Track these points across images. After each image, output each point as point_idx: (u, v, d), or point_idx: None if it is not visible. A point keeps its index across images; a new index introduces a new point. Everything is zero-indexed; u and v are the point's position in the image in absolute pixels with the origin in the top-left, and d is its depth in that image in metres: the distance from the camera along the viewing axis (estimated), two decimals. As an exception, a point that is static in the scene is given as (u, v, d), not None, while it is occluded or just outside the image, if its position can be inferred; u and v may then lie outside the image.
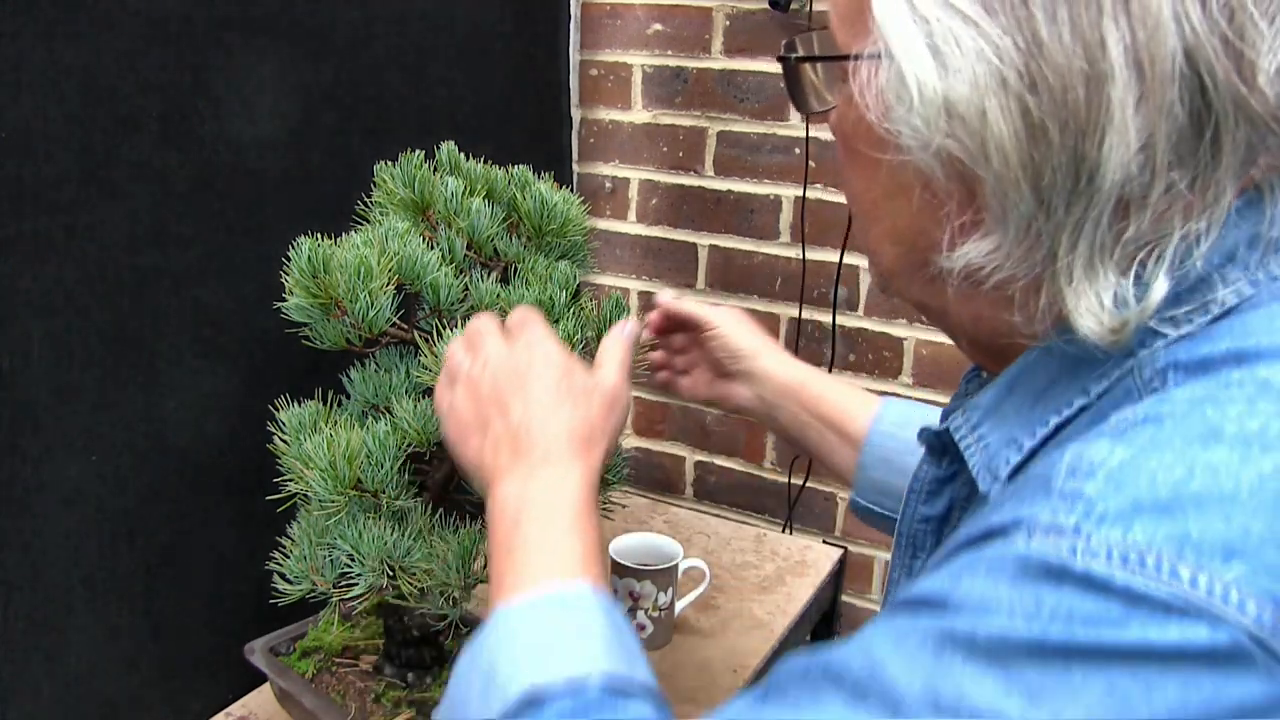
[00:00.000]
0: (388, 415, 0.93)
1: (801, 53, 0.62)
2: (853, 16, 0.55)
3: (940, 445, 0.69)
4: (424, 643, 1.08)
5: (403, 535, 0.89)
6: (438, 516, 0.93)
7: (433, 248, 0.99)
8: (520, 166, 1.08)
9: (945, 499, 0.72)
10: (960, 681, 0.42)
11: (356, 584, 0.89)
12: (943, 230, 0.53)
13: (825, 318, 1.61)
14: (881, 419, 0.97)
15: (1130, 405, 0.49)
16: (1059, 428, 0.54)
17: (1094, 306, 0.49)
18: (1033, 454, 0.55)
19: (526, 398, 0.72)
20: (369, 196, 1.06)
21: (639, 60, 1.69)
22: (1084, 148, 0.47)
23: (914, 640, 0.44)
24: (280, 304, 0.95)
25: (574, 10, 1.69)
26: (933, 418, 0.86)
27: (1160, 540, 0.41)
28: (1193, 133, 0.47)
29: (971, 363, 0.70)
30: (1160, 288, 0.48)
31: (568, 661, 0.57)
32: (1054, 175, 0.48)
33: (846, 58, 0.55)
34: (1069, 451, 0.46)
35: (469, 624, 1.10)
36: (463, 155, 1.07)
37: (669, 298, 1.08)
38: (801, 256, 1.61)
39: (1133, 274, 0.49)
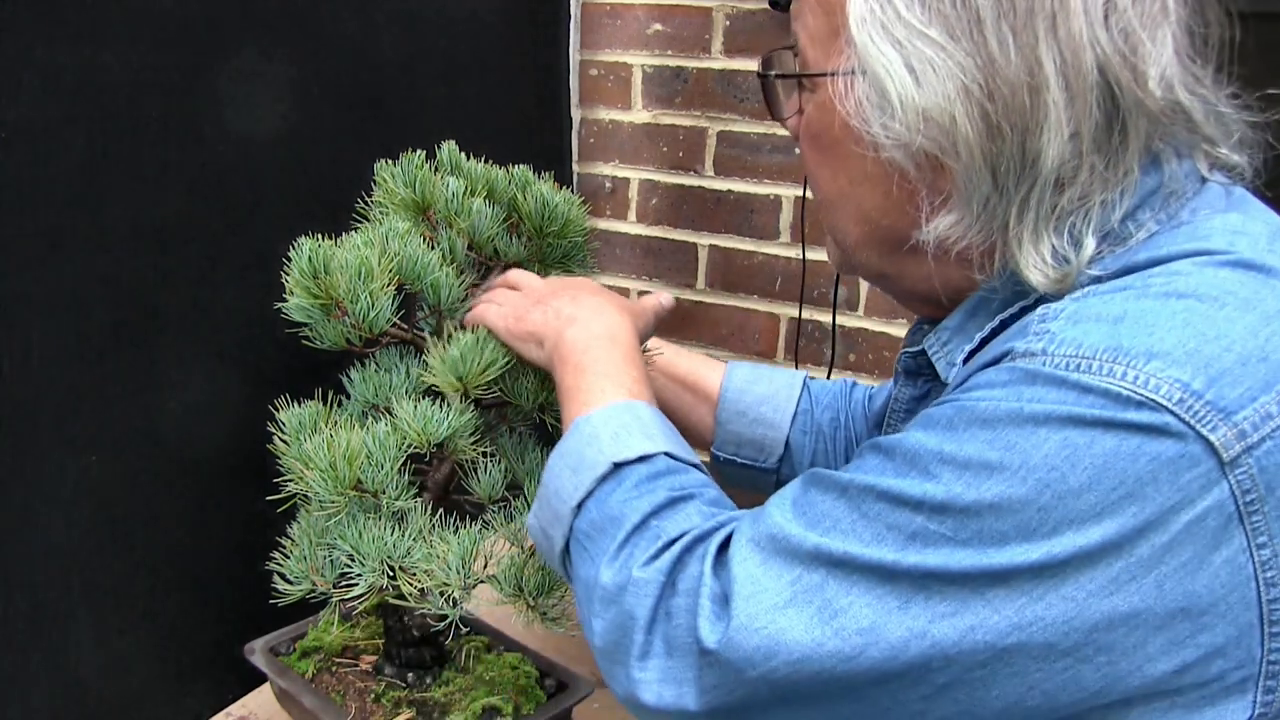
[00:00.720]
0: (388, 415, 0.93)
1: (779, 70, 0.76)
2: (824, 39, 0.69)
3: (916, 367, 0.85)
4: (424, 643, 1.08)
5: (403, 535, 0.89)
6: (438, 517, 0.93)
7: (433, 248, 0.99)
8: (521, 166, 1.08)
9: None
10: (960, 439, 0.59)
11: (356, 584, 0.89)
12: (920, 210, 0.67)
13: (825, 318, 1.61)
14: (731, 377, 1.10)
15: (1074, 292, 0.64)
16: (1004, 322, 0.69)
17: (1040, 264, 0.64)
18: (983, 343, 0.70)
19: (577, 290, 0.93)
20: (369, 196, 1.06)
21: (639, 60, 1.69)
22: (1029, 141, 0.62)
23: (935, 418, 0.62)
24: (280, 304, 0.95)
25: (574, 10, 1.69)
26: (775, 378, 1.09)
27: (1101, 351, 0.58)
28: (1106, 126, 0.63)
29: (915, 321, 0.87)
30: (1090, 245, 0.63)
31: (639, 444, 0.75)
32: (1008, 163, 0.63)
33: (825, 74, 0.69)
34: (1039, 308, 0.63)
35: (469, 624, 1.10)
36: (463, 155, 1.07)
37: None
38: (801, 256, 1.61)
39: (1067, 236, 0.64)
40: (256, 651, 1.11)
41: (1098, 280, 0.63)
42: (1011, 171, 0.63)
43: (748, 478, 1.11)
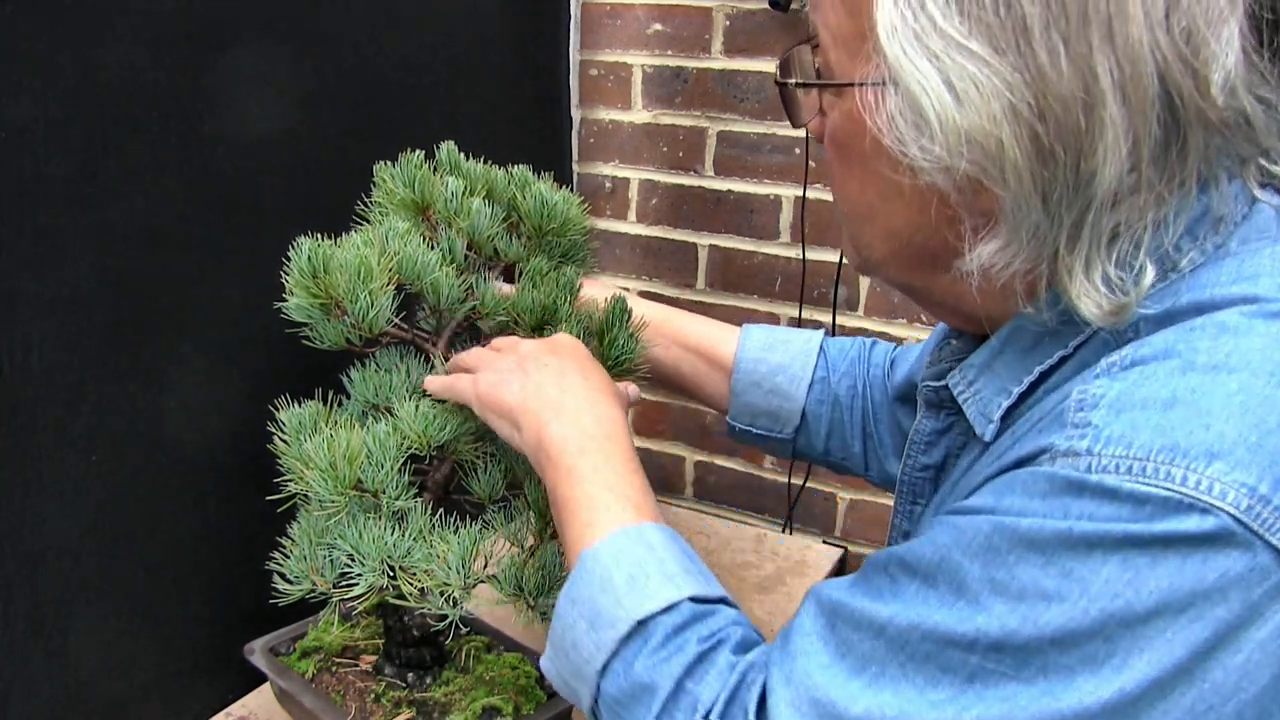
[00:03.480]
0: (388, 415, 0.93)
1: (799, 75, 0.69)
2: (850, 40, 0.62)
3: (938, 400, 0.80)
4: (424, 643, 1.08)
5: (403, 535, 0.89)
6: (438, 516, 0.93)
7: (433, 248, 0.99)
8: (520, 166, 1.08)
9: (942, 449, 0.83)
10: (1009, 565, 0.53)
11: (356, 584, 0.89)
12: (960, 235, 0.61)
13: (825, 318, 1.61)
14: (745, 346, 1.06)
15: (1111, 351, 0.58)
16: (1043, 374, 0.64)
17: (1094, 294, 0.58)
18: (1021, 398, 0.66)
19: (561, 361, 0.84)
20: (369, 196, 1.06)
21: (639, 60, 1.69)
22: (1084, 163, 0.55)
23: (969, 535, 0.55)
24: (280, 304, 0.95)
25: (574, 10, 1.69)
26: (791, 343, 1.05)
27: (1155, 452, 0.51)
28: (1165, 140, 0.56)
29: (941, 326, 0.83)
30: (1150, 272, 0.57)
31: (660, 591, 0.68)
32: (1061, 188, 0.56)
33: (852, 85, 0.62)
34: (1074, 391, 0.56)
35: (469, 624, 1.10)
36: (462, 155, 1.07)
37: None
38: (801, 256, 1.61)
39: (1123, 262, 0.58)
40: (256, 651, 1.11)
41: (1135, 329, 0.59)
42: (1065, 197, 0.56)
43: (765, 446, 1.10)
